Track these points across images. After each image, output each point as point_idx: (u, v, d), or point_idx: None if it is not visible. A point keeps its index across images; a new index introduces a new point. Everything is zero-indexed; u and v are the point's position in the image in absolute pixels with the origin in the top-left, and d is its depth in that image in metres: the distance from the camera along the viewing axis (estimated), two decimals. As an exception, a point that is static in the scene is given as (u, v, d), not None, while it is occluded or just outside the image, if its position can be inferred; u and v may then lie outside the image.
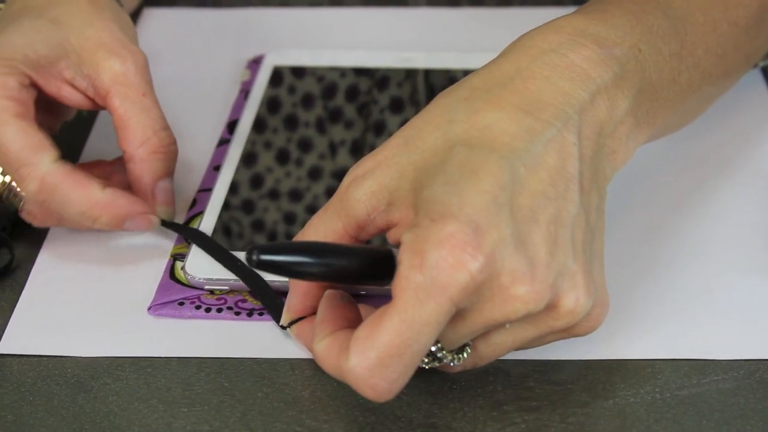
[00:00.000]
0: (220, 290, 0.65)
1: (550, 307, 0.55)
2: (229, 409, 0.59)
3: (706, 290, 0.64)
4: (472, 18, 0.86)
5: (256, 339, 0.63)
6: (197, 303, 0.64)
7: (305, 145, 0.74)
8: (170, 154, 0.68)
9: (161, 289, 0.65)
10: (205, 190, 0.71)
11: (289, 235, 0.67)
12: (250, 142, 0.74)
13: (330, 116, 0.76)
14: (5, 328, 0.64)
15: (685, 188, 0.71)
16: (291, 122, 0.76)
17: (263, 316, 0.63)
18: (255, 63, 0.83)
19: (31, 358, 0.62)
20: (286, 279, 0.63)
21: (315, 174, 0.72)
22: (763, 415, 0.58)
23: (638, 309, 0.63)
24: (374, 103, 0.77)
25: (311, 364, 0.61)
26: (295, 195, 0.70)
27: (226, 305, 0.64)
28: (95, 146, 0.77)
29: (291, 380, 0.60)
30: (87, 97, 0.68)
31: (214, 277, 0.64)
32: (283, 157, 0.73)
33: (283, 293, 0.64)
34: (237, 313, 0.64)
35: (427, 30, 0.85)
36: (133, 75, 0.68)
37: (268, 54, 0.82)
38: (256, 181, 0.71)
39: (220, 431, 0.58)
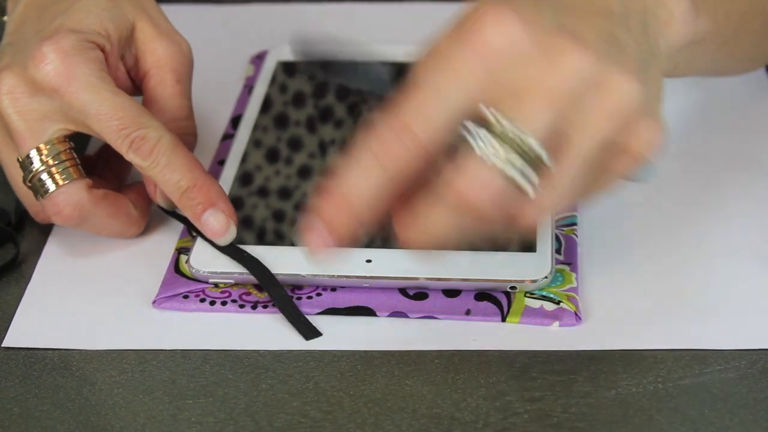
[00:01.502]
0: (225, 283, 0.65)
1: (599, 84, 0.54)
2: (233, 401, 0.59)
3: (708, 280, 0.64)
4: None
5: (261, 331, 0.63)
6: (202, 296, 0.65)
7: (309, 139, 0.74)
8: (185, 144, 0.68)
9: (166, 282, 0.65)
10: (210, 184, 0.72)
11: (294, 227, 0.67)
12: (254, 137, 0.74)
13: (330, 110, 0.76)
14: (11, 322, 0.64)
15: (688, 181, 0.71)
16: (294, 117, 0.76)
17: (267, 309, 0.64)
18: (258, 58, 0.83)
19: (37, 351, 0.63)
20: (287, 271, 0.63)
21: (317, 167, 0.72)
22: (766, 404, 0.58)
23: (640, 299, 0.64)
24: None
25: (315, 356, 0.61)
26: (298, 189, 0.70)
27: (231, 298, 0.65)
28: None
29: (295, 372, 0.60)
30: (129, 77, 0.69)
31: (219, 270, 0.65)
32: (285, 152, 0.73)
33: (288, 285, 0.64)
34: (241, 306, 0.64)
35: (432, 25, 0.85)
36: (174, 60, 0.68)
37: (271, 49, 0.82)
38: (260, 175, 0.71)
39: (225, 423, 0.58)
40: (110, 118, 0.64)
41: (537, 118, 0.54)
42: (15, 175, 0.67)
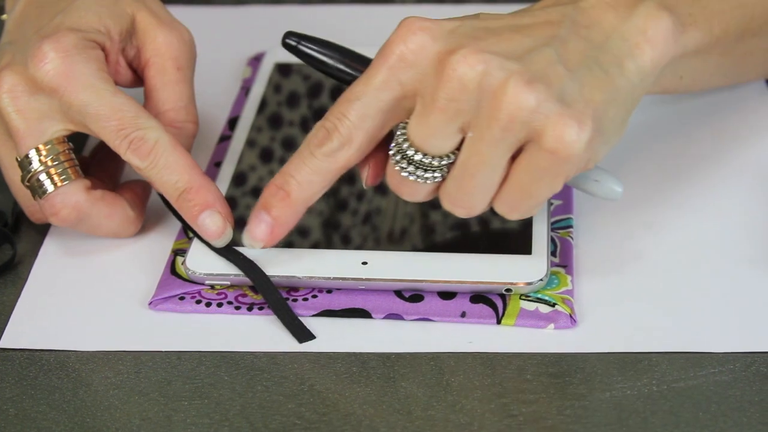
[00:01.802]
0: (221, 285, 0.65)
1: (491, 91, 0.58)
2: (228, 402, 0.59)
3: (702, 283, 0.65)
4: (459, 15, 0.86)
5: (256, 333, 0.63)
6: (198, 298, 0.65)
7: (290, 146, 0.74)
8: (185, 131, 0.68)
9: (162, 284, 0.66)
10: (206, 186, 0.72)
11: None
12: (251, 139, 0.74)
13: (325, 112, 0.76)
14: (7, 323, 0.64)
15: (681, 183, 0.71)
16: (291, 118, 0.76)
17: (263, 311, 0.64)
18: (256, 60, 0.83)
19: (33, 353, 0.63)
20: (283, 273, 0.64)
21: None
22: (760, 407, 0.58)
23: (635, 302, 0.64)
24: None
25: (310, 357, 0.61)
26: None
27: (227, 300, 0.65)
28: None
29: (290, 374, 0.61)
30: (131, 68, 0.69)
31: (215, 272, 0.65)
32: (281, 152, 0.73)
33: (283, 286, 0.64)
34: (237, 308, 0.64)
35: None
36: (174, 48, 0.69)
37: (268, 51, 0.82)
38: (257, 176, 0.71)
39: (220, 424, 0.58)
40: (109, 118, 0.64)
41: (433, 128, 0.60)
42: (13, 175, 0.67)
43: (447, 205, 0.62)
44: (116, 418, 0.59)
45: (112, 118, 0.64)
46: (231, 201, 0.69)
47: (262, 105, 0.77)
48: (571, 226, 0.68)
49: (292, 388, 0.60)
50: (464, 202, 0.61)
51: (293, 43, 0.65)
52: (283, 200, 0.62)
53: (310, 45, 0.65)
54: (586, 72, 0.60)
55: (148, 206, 0.70)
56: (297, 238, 0.67)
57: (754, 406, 0.58)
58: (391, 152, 0.62)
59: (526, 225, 0.66)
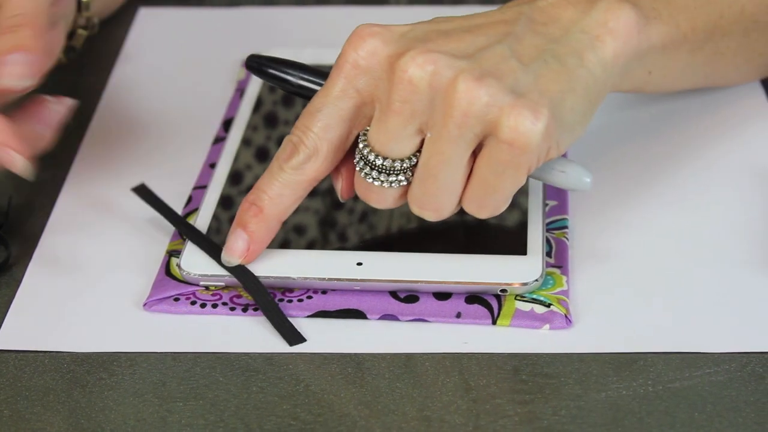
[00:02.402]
0: (215, 286, 0.65)
1: (442, 90, 0.59)
2: (224, 403, 0.59)
3: (698, 283, 0.65)
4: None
5: (251, 334, 0.63)
6: (192, 299, 0.65)
7: None
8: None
9: (157, 285, 0.65)
10: (201, 187, 0.72)
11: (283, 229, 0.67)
12: (245, 140, 0.74)
13: None
14: (1, 324, 0.64)
15: (679, 184, 0.71)
16: (285, 119, 0.76)
17: (258, 312, 0.64)
18: (251, 61, 0.83)
19: (28, 354, 0.62)
20: (277, 274, 0.63)
21: None
22: (755, 407, 0.58)
23: (630, 302, 0.64)
24: None
25: (305, 358, 0.61)
26: None
27: (221, 301, 0.65)
28: (93, 144, 0.77)
29: (285, 374, 0.60)
30: None
31: (209, 273, 0.65)
32: (263, 155, 0.73)
33: (278, 287, 0.64)
34: (232, 309, 0.64)
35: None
36: None
37: (263, 53, 0.82)
38: (251, 176, 0.71)
39: (215, 425, 0.58)
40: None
41: (391, 132, 0.61)
42: None
43: (415, 208, 0.63)
44: (111, 419, 0.59)
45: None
46: (226, 201, 0.69)
47: (257, 106, 0.77)
48: (566, 227, 0.68)
49: (287, 388, 0.60)
50: (431, 204, 0.62)
51: (255, 66, 0.67)
52: (256, 216, 0.63)
53: (271, 65, 0.67)
54: (542, 65, 0.61)
55: (144, 209, 0.69)
56: (292, 238, 0.67)
57: (749, 407, 0.58)
58: (355, 160, 0.63)
59: (522, 226, 0.66)
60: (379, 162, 0.61)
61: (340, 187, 0.65)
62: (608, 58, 0.62)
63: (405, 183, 0.62)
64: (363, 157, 0.62)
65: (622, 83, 0.66)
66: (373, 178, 0.62)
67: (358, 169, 0.62)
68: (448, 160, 0.60)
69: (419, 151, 0.61)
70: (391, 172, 0.62)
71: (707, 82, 0.74)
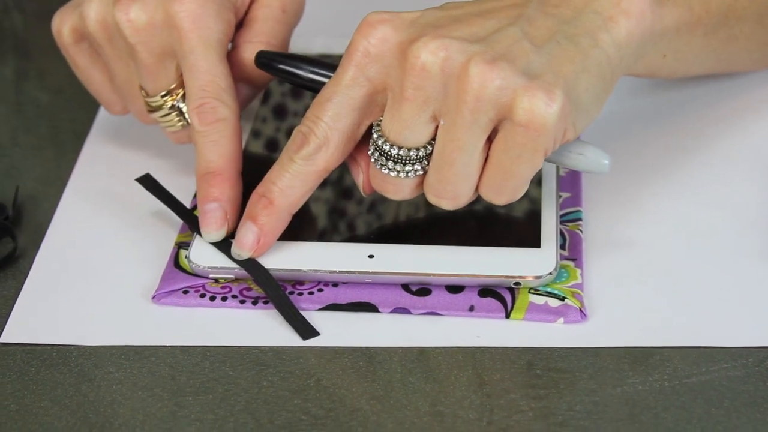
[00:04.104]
0: (225, 279, 0.65)
1: (455, 75, 0.59)
2: (233, 398, 0.59)
3: (715, 277, 0.64)
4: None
5: (261, 327, 0.62)
6: (202, 291, 0.64)
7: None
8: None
9: (165, 277, 0.65)
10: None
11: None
12: (254, 132, 0.74)
13: None
14: (9, 317, 0.64)
15: (694, 175, 0.71)
16: (295, 109, 0.76)
17: (268, 305, 0.63)
18: (260, 51, 0.82)
19: (35, 347, 0.62)
20: (288, 267, 0.63)
21: None
22: (773, 402, 0.57)
23: (646, 296, 0.63)
24: None
25: (316, 352, 0.61)
26: None
27: (231, 294, 0.64)
28: (93, 145, 0.77)
29: (296, 369, 0.60)
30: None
31: (219, 265, 0.64)
32: (274, 146, 0.73)
33: (289, 280, 0.64)
34: (242, 302, 0.64)
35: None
36: None
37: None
38: (260, 167, 0.71)
39: (225, 420, 0.57)
40: (200, 75, 0.66)
41: (405, 120, 0.60)
42: None
43: (432, 197, 0.62)
44: (119, 413, 0.58)
45: (204, 77, 0.66)
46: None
47: (266, 97, 0.77)
48: (580, 219, 0.67)
49: (297, 383, 0.59)
50: (447, 192, 0.61)
51: (265, 61, 0.67)
52: (266, 208, 0.63)
53: (281, 60, 0.67)
54: (555, 46, 0.60)
55: (152, 200, 0.69)
56: (303, 231, 0.66)
57: (767, 402, 0.57)
58: (369, 152, 0.62)
59: (535, 218, 0.65)
60: (394, 152, 0.61)
61: (361, 181, 0.64)
62: (622, 38, 0.62)
63: (421, 172, 0.61)
64: (378, 148, 0.61)
65: (637, 66, 0.65)
66: (389, 169, 0.61)
67: (373, 160, 0.62)
68: (463, 147, 0.59)
69: (434, 139, 0.61)
70: (407, 161, 0.61)
71: (721, 67, 0.74)
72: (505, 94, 0.58)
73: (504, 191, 0.61)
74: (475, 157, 0.60)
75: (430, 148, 0.61)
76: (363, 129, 0.63)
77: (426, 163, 0.61)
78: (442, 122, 0.60)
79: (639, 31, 0.63)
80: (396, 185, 0.62)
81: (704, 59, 0.71)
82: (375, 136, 0.62)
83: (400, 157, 0.61)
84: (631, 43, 0.62)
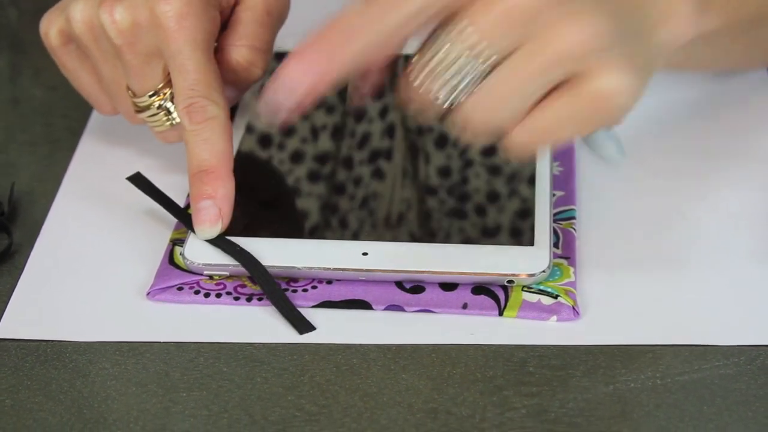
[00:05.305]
0: (219, 275, 0.65)
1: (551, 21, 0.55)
2: (227, 394, 0.59)
3: (706, 276, 0.64)
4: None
5: (255, 324, 0.62)
6: (196, 288, 0.64)
7: (288, 131, 0.73)
8: (248, 73, 0.70)
9: (160, 274, 0.65)
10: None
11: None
12: (250, 126, 0.74)
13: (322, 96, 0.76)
14: (3, 313, 0.64)
15: (687, 176, 0.71)
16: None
17: (262, 302, 0.63)
18: (255, 49, 0.82)
19: (30, 343, 0.62)
20: (282, 264, 0.63)
21: (296, 158, 0.71)
22: (765, 401, 0.57)
23: (639, 294, 0.63)
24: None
25: (310, 349, 0.61)
26: (281, 179, 0.70)
27: (225, 290, 0.64)
28: (89, 143, 0.77)
29: (290, 365, 0.60)
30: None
31: (213, 262, 0.64)
32: (281, 139, 0.73)
33: (283, 277, 0.64)
34: (236, 299, 0.64)
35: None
36: None
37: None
38: (255, 162, 0.71)
39: (219, 416, 0.58)
40: (189, 74, 0.66)
41: (490, 32, 0.55)
42: None
43: (461, 119, 0.58)
44: (114, 409, 0.58)
45: (192, 77, 0.66)
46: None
47: (261, 91, 0.76)
48: (573, 218, 0.67)
49: (291, 379, 0.59)
50: (478, 125, 0.58)
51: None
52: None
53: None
54: (630, 37, 0.58)
55: (147, 198, 0.69)
56: (297, 228, 0.66)
57: (759, 400, 0.57)
58: (428, 55, 0.57)
59: (529, 216, 0.65)
60: (462, 60, 0.56)
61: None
62: (662, 44, 0.60)
63: (465, 95, 0.57)
64: (446, 46, 0.56)
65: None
66: (444, 75, 0.57)
67: (427, 59, 0.57)
68: (519, 89, 0.56)
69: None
70: (466, 74, 0.57)
71: (736, 68, 0.74)
72: (590, 60, 0.56)
73: (532, 146, 0.58)
74: (526, 104, 0.57)
75: (488, 69, 0.57)
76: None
77: (478, 79, 0.57)
78: (513, 55, 0.56)
79: (678, 40, 0.61)
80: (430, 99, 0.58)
81: (723, 62, 0.71)
82: (455, 31, 0.56)
83: (464, 66, 0.57)
84: (668, 50, 0.61)
